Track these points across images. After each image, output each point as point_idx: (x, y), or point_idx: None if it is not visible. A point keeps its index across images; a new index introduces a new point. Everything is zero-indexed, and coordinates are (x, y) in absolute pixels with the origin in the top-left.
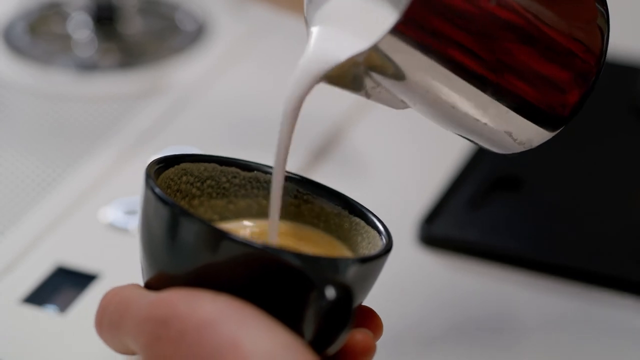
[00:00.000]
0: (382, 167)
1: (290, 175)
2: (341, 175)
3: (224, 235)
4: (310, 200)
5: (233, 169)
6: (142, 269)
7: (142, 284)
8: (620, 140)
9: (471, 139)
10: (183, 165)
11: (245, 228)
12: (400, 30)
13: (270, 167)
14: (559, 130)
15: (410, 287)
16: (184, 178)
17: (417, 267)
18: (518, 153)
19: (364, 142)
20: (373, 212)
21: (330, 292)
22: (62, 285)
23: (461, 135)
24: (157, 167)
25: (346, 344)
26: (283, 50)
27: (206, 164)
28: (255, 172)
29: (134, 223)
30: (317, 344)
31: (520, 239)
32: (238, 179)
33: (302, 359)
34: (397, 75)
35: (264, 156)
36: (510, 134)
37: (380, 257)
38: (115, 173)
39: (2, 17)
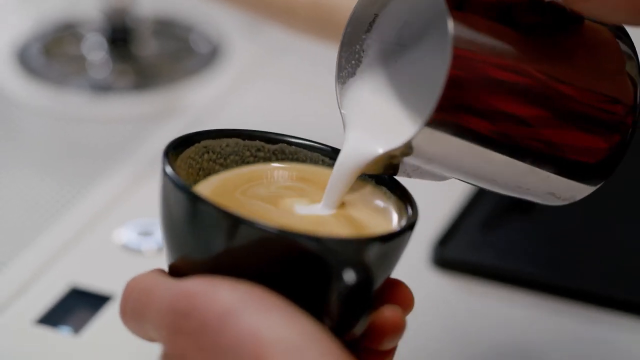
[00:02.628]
0: None
1: (317, 145)
2: None
3: (238, 220)
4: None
5: (257, 143)
6: (165, 252)
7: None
8: (635, 161)
9: (516, 197)
10: (204, 142)
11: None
12: (433, 121)
13: (295, 137)
14: (601, 184)
15: (424, 310)
16: (206, 156)
17: (430, 289)
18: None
19: None
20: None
21: (350, 276)
22: (76, 307)
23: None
24: (176, 146)
25: (375, 322)
26: (297, 71)
27: (228, 140)
28: (280, 144)
29: (148, 244)
30: (339, 328)
31: (534, 262)
32: (263, 152)
33: (323, 346)
34: (435, 160)
35: None
36: (553, 194)
37: (402, 234)
38: (130, 194)
39: (17, 38)
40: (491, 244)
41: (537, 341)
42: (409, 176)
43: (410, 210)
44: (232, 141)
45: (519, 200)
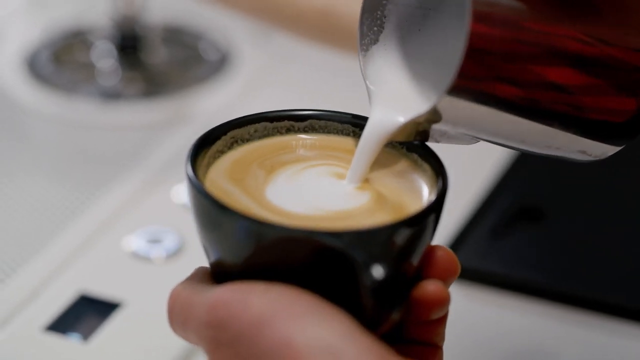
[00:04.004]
0: None
1: (347, 116)
2: None
3: (256, 223)
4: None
5: (285, 123)
6: (205, 252)
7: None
8: None
9: (547, 155)
10: (231, 133)
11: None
12: (456, 87)
13: (323, 111)
14: (632, 140)
15: None
16: (235, 146)
17: None
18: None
19: None
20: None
21: (378, 271)
22: (85, 314)
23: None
24: (202, 143)
25: (418, 298)
26: (306, 78)
27: (255, 125)
28: (308, 120)
29: (157, 252)
30: (374, 321)
31: (542, 270)
32: (293, 131)
33: (359, 343)
34: (460, 125)
35: None
36: (584, 152)
37: (431, 212)
38: (139, 202)
39: (27, 46)
40: (499, 252)
41: (544, 349)
42: (437, 141)
43: (440, 182)
44: (259, 126)
45: (526, 207)
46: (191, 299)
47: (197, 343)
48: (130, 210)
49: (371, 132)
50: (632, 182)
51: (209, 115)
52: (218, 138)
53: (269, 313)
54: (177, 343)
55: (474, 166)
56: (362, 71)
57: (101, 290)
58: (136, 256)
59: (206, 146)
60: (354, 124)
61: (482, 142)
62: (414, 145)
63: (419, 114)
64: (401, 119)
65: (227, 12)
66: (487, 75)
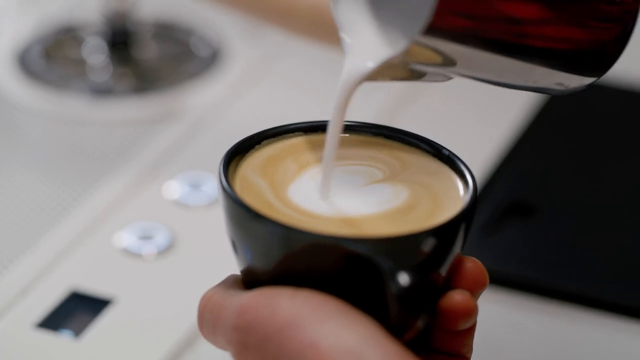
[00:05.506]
0: None
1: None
2: None
3: (286, 229)
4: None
5: (319, 134)
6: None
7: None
8: (634, 165)
9: (528, 89)
10: (265, 143)
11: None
12: (430, 27)
13: (359, 123)
14: (607, 70)
15: None
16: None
17: None
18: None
19: None
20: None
21: (404, 279)
22: (76, 310)
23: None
24: (236, 153)
25: (446, 308)
26: (297, 74)
27: (291, 139)
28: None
29: (148, 248)
30: (399, 328)
31: (533, 266)
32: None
33: (383, 349)
34: (437, 64)
35: None
36: (561, 84)
37: (460, 223)
38: (130, 198)
39: (18, 41)
40: (490, 248)
41: (535, 344)
42: (414, 80)
43: (471, 191)
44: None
45: (517, 203)
46: (221, 304)
47: (225, 347)
48: (121, 207)
49: (346, 79)
50: (623, 178)
51: (200, 111)
52: (252, 147)
53: (296, 317)
54: (168, 339)
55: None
56: (335, 20)
57: (92, 286)
58: (127, 252)
59: (239, 154)
60: (387, 136)
61: (472, 141)
62: (442, 152)
63: (394, 54)
64: (373, 63)
65: (217, 8)
66: (457, 13)
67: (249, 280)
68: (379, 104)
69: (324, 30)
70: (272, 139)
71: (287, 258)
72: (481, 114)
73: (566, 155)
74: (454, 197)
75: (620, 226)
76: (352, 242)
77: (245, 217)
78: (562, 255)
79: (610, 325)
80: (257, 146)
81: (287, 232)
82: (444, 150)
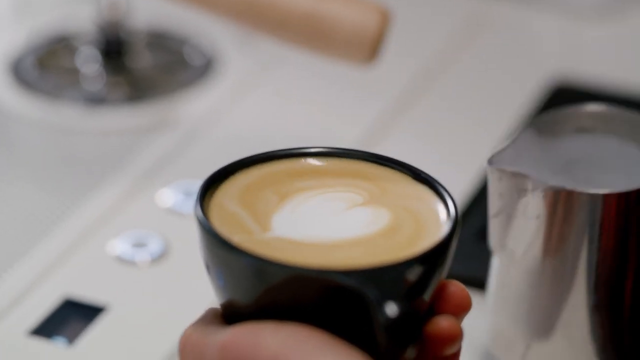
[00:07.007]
0: None
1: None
2: None
3: (264, 262)
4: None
5: (298, 159)
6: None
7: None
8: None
9: None
10: (240, 171)
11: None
12: None
13: (337, 148)
14: None
15: None
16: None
17: None
18: None
19: None
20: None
21: (391, 309)
22: (70, 318)
23: None
24: (211, 182)
25: (432, 334)
26: (291, 84)
27: (270, 166)
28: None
29: (142, 256)
30: (387, 358)
31: None
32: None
33: None
34: None
35: None
36: None
37: (445, 248)
38: (124, 206)
39: (11, 51)
40: (485, 254)
41: None
42: None
43: (453, 216)
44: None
45: None
46: (202, 341)
47: None
48: (114, 215)
49: None
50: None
51: (194, 120)
52: (226, 178)
53: (280, 353)
54: (161, 346)
55: (459, 168)
56: None
57: (86, 294)
58: (121, 260)
59: (215, 184)
60: (371, 160)
61: (467, 147)
62: (423, 176)
63: None
64: None
65: (211, 17)
66: None
67: (230, 314)
68: (375, 112)
69: (318, 40)
70: (251, 166)
71: (268, 291)
72: (476, 121)
73: None
74: (435, 219)
75: None
76: (335, 274)
77: (222, 250)
78: None
79: None
80: (234, 174)
81: (265, 266)
82: (422, 174)
